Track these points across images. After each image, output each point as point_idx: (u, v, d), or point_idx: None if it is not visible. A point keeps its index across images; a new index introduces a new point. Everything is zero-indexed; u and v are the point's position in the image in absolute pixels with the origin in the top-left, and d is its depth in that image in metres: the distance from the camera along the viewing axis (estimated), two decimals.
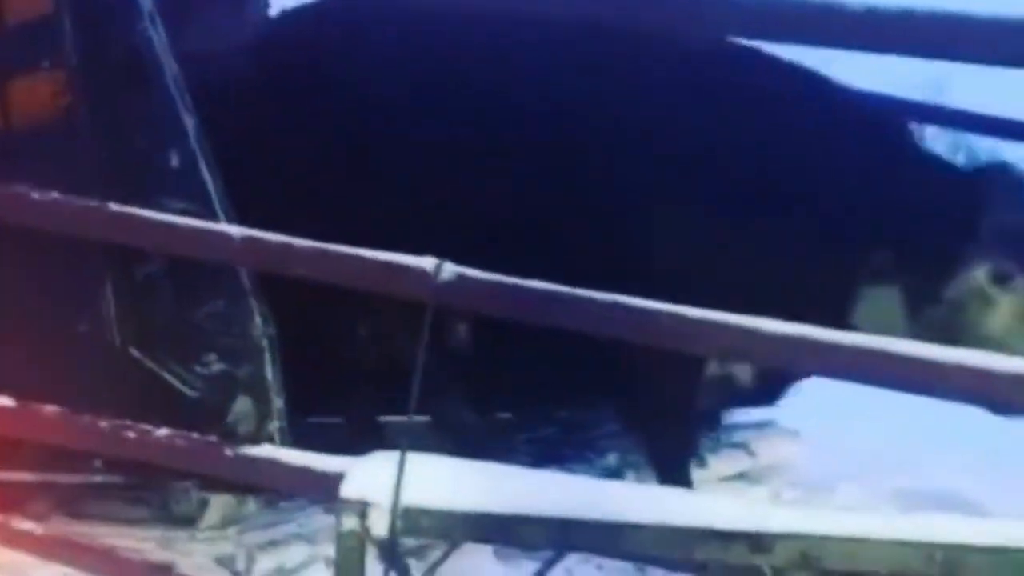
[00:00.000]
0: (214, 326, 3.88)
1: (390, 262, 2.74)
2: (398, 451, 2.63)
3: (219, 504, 3.95)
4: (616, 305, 2.51)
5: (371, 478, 2.65)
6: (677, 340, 2.48)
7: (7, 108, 4.24)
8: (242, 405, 3.88)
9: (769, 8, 2.28)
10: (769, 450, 4.90)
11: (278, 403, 3.87)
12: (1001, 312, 3.70)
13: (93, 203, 3.06)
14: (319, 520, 3.93)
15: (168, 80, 3.79)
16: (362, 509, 2.60)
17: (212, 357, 3.91)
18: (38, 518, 3.99)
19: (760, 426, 5.01)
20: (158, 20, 3.83)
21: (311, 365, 4.10)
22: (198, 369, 3.92)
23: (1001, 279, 3.68)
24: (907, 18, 2.16)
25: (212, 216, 3.72)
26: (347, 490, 2.67)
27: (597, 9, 2.55)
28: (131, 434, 3.10)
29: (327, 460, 2.87)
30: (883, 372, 2.31)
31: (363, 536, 2.60)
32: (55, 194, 3.09)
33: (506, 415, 5.02)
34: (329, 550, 3.58)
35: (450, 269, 2.65)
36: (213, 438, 3.10)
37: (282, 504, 4.05)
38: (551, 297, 2.60)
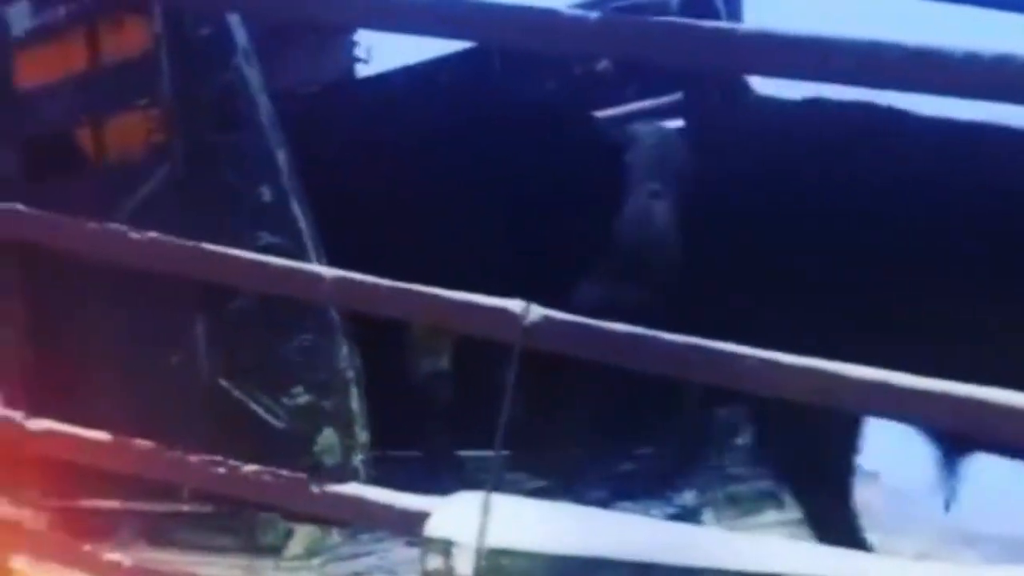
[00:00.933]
0: (302, 359, 3.95)
1: (478, 303, 2.76)
2: (482, 491, 2.66)
3: (303, 534, 4.01)
4: (701, 348, 2.51)
5: (456, 517, 2.69)
6: (763, 385, 2.48)
7: (104, 145, 4.35)
8: (328, 437, 3.94)
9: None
10: None
11: (363, 436, 3.92)
12: None
13: (188, 243, 3.11)
14: (400, 553, 3.96)
15: (262, 116, 3.86)
16: (447, 548, 2.63)
17: (299, 389, 3.97)
18: (125, 546, 4.07)
19: None
20: (253, 57, 3.90)
21: (394, 399, 4.16)
22: (285, 401, 3.99)
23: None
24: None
25: (302, 250, 3.79)
26: (432, 529, 2.70)
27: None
28: (220, 469, 3.15)
29: (412, 498, 2.89)
30: (977, 421, 2.29)
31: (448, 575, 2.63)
32: (152, 233, 3.15)
33: (582, 450, 5.04)
34: None
35: (537, 311, 2.67)
36: (300, 474, 3.14)
37: (363, 536, 4.10)
38: (635, 340, 2.61)
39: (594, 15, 2.49)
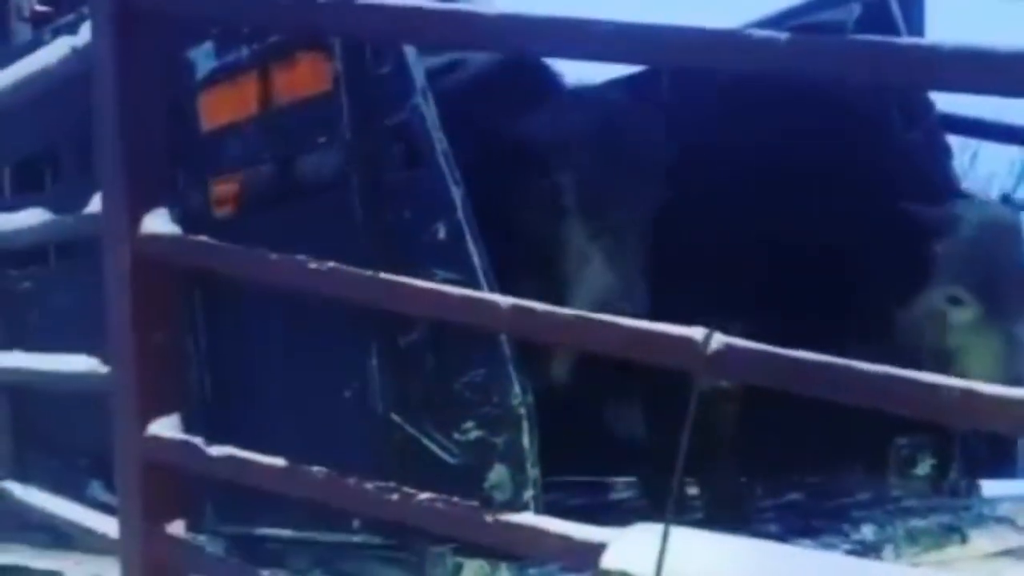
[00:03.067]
0: (473, 395, 3.93)
1: (657, 331, 2.72)
2: (661, 523, 2.61)
3: (472, 569, 3.98)
4: (896, 379, 2.42)
5: (633, 550, 2.64)
6: (966, 419, 2.38)
7: (286, 182, 4.44)
8: (498, 473, 3.91)
9: None
10: None
11: (534, 473, 3.89)
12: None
13: (367, 272, 3.15)
14: None
15: (438, 154, 3.89)
16: None
17: (470, 424, 3.96)
18: (298, 574, 4.12)
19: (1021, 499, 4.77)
20: (430, 96, 3.94)
21: (570, 432, 4.12)
22: (456, 436, 3.97)
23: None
24: None
25: (476, 287, 3.80)
26: (608, 561, 2.66)
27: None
28: (394, 496, 3.16)
29: (587, 529, 2.85)
30: None
31: None
32: (332, 263, 3.20)
33: (752, 480, 4.94)
34: None
35: (719, 339, 2.62)
36: (474, 503, 3.13)
37: (531, 571, 4.05)
38: (823, 368, 2.53)
39: (785, 35, 2.44)
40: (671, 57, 2.86)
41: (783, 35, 2.35)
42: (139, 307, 3.62)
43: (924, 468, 4.79)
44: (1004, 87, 2.27)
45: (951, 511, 4.55)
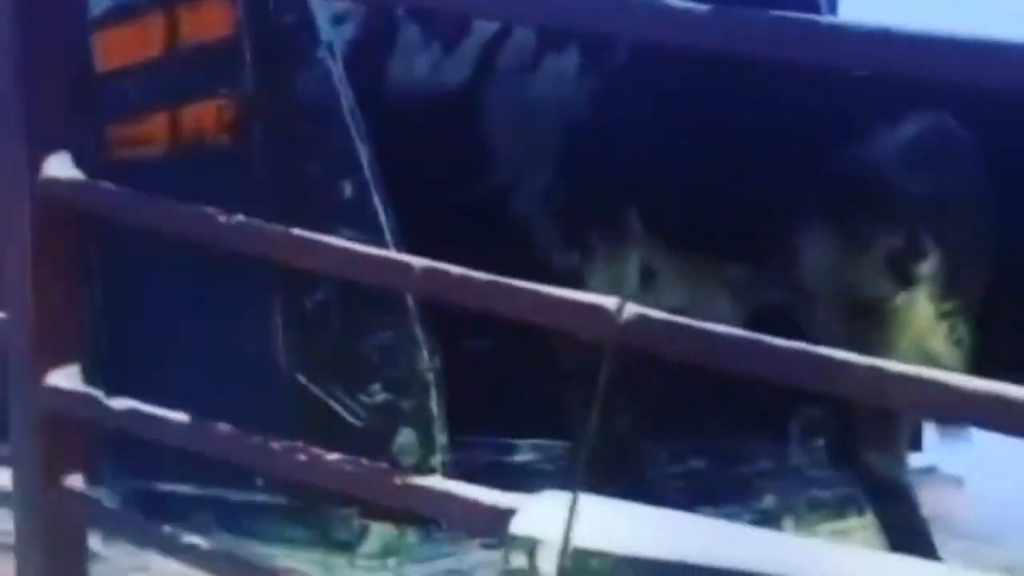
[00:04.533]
0: (381, 357, 3.91)
1: (570, 299, 2.70)
2: (570, 491, 2.60)
3: (379, 533, 3.97)
4: (806, 354, 2.42)
5: (542, 516, 2.63)
6: (872, 394, 2.39)
7: (179, 132, 4.33)
8: (406, 437, 3.89)
9: None
10: (931, 498, 4.70)
11: (442, 438, 3.87)
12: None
13: (277, 227, 3.08)
14: (477, 555, 3.92)
15: (344, 110, 3.83)
16: (531, 547, 2.58)
17: (377, 387, 3.93)
18: (201, 531, 4.05)
19: (922, 472, 4.84)
20: (336, 50, 3.87)
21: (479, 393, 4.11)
22: (363, 399, 3.95)
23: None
24: None
25: (383, 246, 3.75)
26: (517, 527, 2.65)
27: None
28: (302, 456, 3.11)
29: (497, 495, 2.83)
30: None
31: (531, 574, 2.57)
32: (240, 216, 3.12)
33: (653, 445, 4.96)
34: None
35: (632, 309, 2.60)
36: (383, 464, 3.09)
37: (439, 536, 4.04)
38: (735, 342, 2.53)
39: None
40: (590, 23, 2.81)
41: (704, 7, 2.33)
42: (38, 253, 3.50)
43: (829, 439, 4.84)
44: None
45: (851, 482, 4.60)
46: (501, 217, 4.32)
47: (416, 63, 4.59)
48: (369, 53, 4.61)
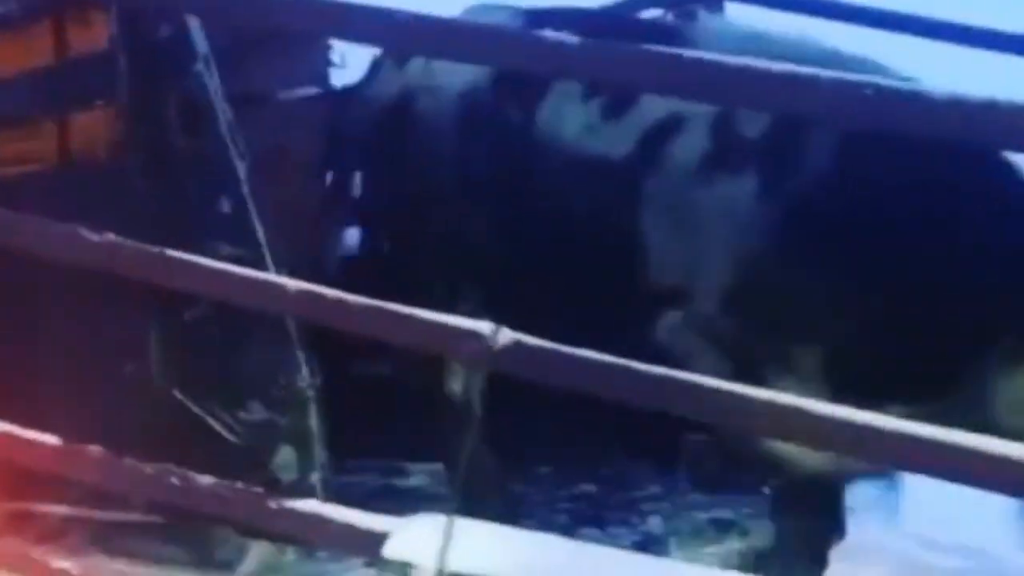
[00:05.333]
0: (260, 374, 3.87)
1: (447, 324, 2.71)
2: (444, 514, 2.61)
3: (258, 551, 3.93)
4: (674, 381, 2.46)
5: (416, 540, 2.64)
6: (737, 419, 2.43)
7: (66, 142, 4.25)
8: (285, 454, 3.86)
9: None
10: None
11: (321, 455, 3.84)
12: None
13: (151, 248, 3.05)
14: (358, 573, 3.89)
15: (221, 124, 3.79)
16: (405, 571, 2.58)
17: (256, 405, 3.90)
18: (75, 553, 3.98)
19: None
20: (212, 64, 3.83)
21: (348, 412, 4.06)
22: (242, 416, 3.91)
23: None
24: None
25: (261, 262, 3.72)
26: (392, 551, 2.65)
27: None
28: (175, 480, 3.08)
29: (371, 518, 2.83)
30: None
31: None
32: (111, 235, 3.08)
33: (545, 469, 4.99)
34: None
35: (507, 335, 2.62)
36: (258, 488, 3.07)
37: (320, 555, 4.02)
38: (608, 368, 2.56)
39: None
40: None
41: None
42: None
43: (711, 464, 4.90)
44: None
45: (734, 506, 4.67)
46: (648, 323, 3.84)
47: (567, 116, 4.00)
48: (516, 93, 4.26)
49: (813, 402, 2.42)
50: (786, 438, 2.46)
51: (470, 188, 4.02)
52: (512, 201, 3.95)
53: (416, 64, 4.17)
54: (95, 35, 4.06)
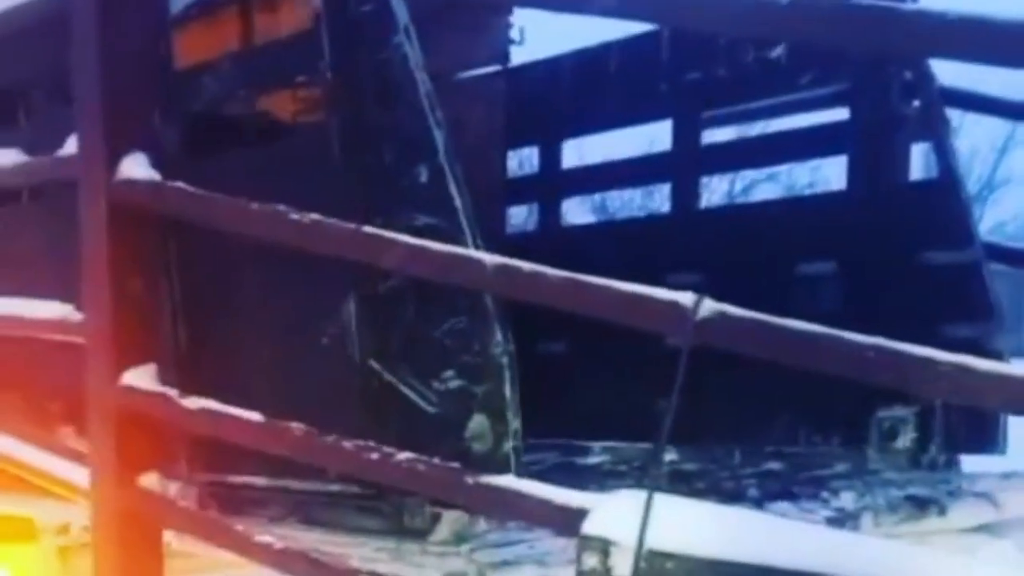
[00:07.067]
0: (454, 342, 3.88)
1: (645, 295, 2.66)
2: (644, 490, 2.57)
3: (451, 520, 3.95)
4: (885, 350, 2.37)
5: (615, 517, 2.60)
6: (959, 392, 2.33)
7: (262, 123, 4.36)
8: (479, 423, 3.87)
9: None
10: (1014, 502, 4.65)
11: (515, 423, 3.84)
12: None
13: (349, 225, 3.08)
14: (550, 543, 3.88)
15: (421, 95, 3.80)
16: (605, 548, 2.55)
17: (451, 373, 3.91)
18: (273, 523, 4.08)
19: (1005, 476, 4.79)
20: (413, 35, 3.85)
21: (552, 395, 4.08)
22: (436, 385, 3.92)
23: None
24: None
25: (459, 232, 3.73)
26: (590, 527, 2.62)
27: None
28: (373, 455, 3.11)
29: (569, 494, 2.81)
30: None
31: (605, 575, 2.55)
32: (313, 215, 3.12)
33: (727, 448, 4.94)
34: (560, 573, 3.56)
35: (710, 305, 2.56)
36: (455, 464, 3.08)
37: (512, 524, 4.03)
38: (814, 339, 2.48)
39: None
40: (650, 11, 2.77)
41: None
42: (115, 254, 3.54)
43: (905, 441, 4.79)
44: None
45: (930, 484, 4.56)
46: None
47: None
48: None
49: None
50: (1017, 413, 2.34)
51: None
52: None
53: None
54: (288, 19, 4.15)
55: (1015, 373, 2.26)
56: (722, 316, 2.54)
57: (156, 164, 3.63)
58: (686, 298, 2.60)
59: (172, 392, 3.48)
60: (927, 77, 4.95)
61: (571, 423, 5.31)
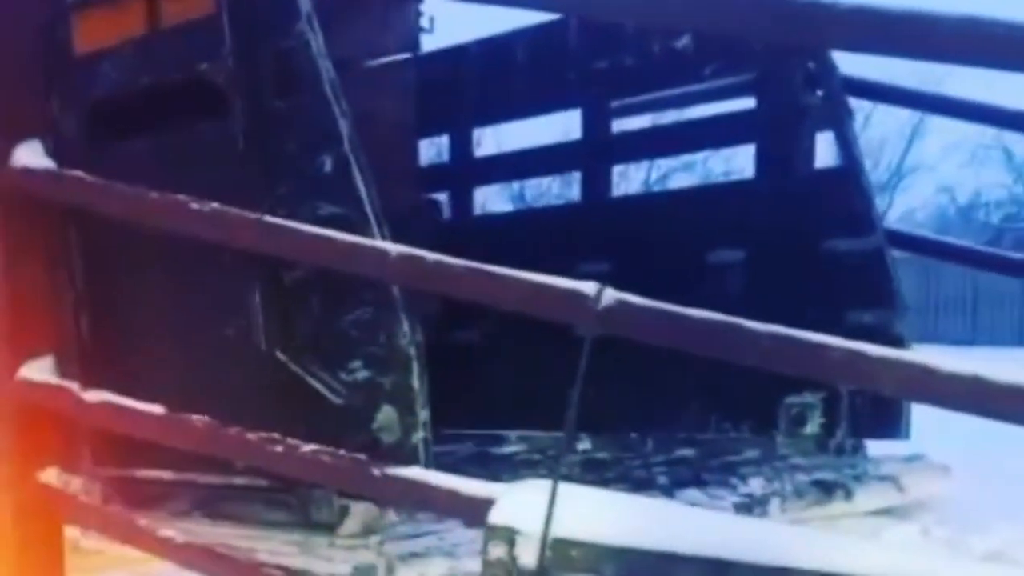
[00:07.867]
0: (360, 333, 3.86)
1: (549, 285, 2.65)
2: (549, 480, 2.57)
3: (359, 512, 3.93)
4: (785, 338, 2.39)
5: (521, 506, 2.59)
6: (854, 378, 2.36)
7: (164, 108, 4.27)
8: (387, 414, 3.85)
9: None
10: (918, 485, 4.74)
11: (424, 414, 3.83)
12: None
13: (251, 215, 3.03)
14: (459, 534, 3.89)
15: (324, 84, 3.77)
16: (510, 537, 2.54)
17: (357, 364, 3.88)
18: (179, 518, 4.02)
19: (909, 460, 4.87)
20: (316, 23, 3.80)
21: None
22: (343, 376, 3.90)
23: None
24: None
25: (364, 221, 3.70)
26: (496, 517, 2.61)
27: None
28: (278, 448, 3.07)
29: (475, 485, 2.79)
30: None
31: (510, 565, 2.54)
32: (214, 204, 3.07)
33: (639, 435, 4.97)
34: (469, 564, 3.56)
35: (611, 295, 2.56)
36: (361, 456, 3.06)
37: (421, 516, 4.02)
38: (713, 327, 2.49)
39: None
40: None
41: None
42: (10, 244, 3.45)
43: (812, 427, 4.85)
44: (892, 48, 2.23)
45: (837, 469, 4.62)
46: None
47: None
48: None
49: (936, 358, 2.34)
50: (910, 397, 2.37)
51: None
52: None
53: None
54: (192, 3, 4.08)
55: (907, 358, 2.28)
56: (623, 305, 2.54)
57: (53, 152, 3.54)
58: (589, 287, 2.59)
59: (72, 385, 3.41)
60: (829, 68, 5.02)
61: (486, 413, 5.31)
